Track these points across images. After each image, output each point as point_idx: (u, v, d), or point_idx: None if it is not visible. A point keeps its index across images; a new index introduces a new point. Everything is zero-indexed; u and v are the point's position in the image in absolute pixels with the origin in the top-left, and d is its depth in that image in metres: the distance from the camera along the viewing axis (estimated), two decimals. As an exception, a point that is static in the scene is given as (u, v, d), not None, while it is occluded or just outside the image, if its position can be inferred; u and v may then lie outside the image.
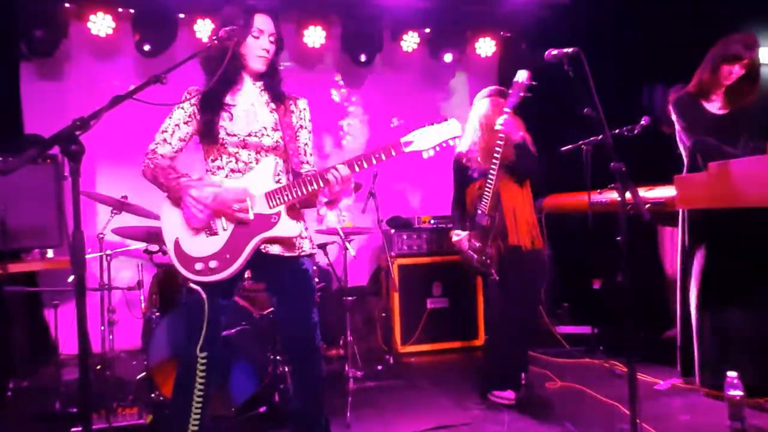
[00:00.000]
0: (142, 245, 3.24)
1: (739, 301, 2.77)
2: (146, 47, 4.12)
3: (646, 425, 2.40)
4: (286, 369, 3.01)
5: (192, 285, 1.87)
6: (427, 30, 4.90)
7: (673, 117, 2.99)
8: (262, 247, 1.91)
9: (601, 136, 2.02)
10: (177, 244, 1.88)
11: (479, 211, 2.92)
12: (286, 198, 1.86)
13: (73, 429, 2.55)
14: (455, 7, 4.66)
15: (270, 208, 1.87)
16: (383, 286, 4.33)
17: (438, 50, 4.89)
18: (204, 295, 1.84)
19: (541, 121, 3.28)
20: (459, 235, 3.04)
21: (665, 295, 3.68)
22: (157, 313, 2.99)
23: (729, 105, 2.92)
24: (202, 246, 1.86)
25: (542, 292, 4.32)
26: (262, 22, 1.95)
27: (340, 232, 3.31)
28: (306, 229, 2.06)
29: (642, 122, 3.27)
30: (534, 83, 2.78)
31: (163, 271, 3.16)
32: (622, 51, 4.03)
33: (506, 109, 2.80)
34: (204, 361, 1.89)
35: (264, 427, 2.74)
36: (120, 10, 4.19)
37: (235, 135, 1.93)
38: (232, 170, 1.94)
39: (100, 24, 4.11)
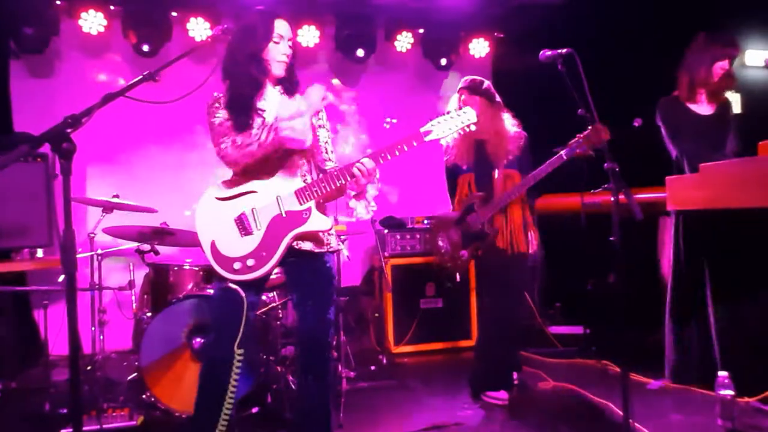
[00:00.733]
0: (133, 245, 3.21)
1: (729, 302, 2.79)
2: (145, 47, 4.08)
3: (638, 424, 2.42)
4: (279, 370, 3.00)
5: (230, 284, 1.91)
6: (421, 30, 4.91)
7: (658, 122, 3.00)
8: (295, 243, 1.97)
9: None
10: (213, 245, 1.93)
11: (475, 214, 2.90)
12: (315, 194, 1.93)
13: (62, 430, 2.52)
14: (449, 8, 4.66)
15: (300, 204, 1.93)
16: (376, 286, 4.33)
17: (432, 51, 4.89)
18: (243, 294, 1.89)
19: (534, 122, 3.29)
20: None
21: (659, 295, 3.71)
22: (149, 314, 2.96)
23: (712, 103, 2.94)
24: (238, 245, 1.92)
25: (535, 292, 4.36)
26: (281, 27, 2.00)
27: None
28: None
29: (635, 123, 3.29)
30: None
31: (155, 271, 3.13)
32: (615, 52, 4.05)
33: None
34: (241, 358, 1.93)
35: (257, 427, 2.72)
36: (112, 7, 4.16)
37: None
38: (261, 172, 1.98)
39: (92, 21, 4.08)
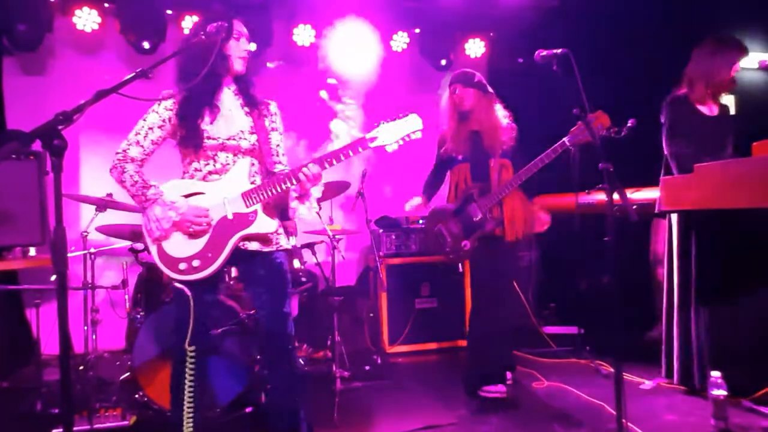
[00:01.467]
0: (126, 243, 3.20)
1: (724, 302, 2.79)
2: (146, 44, 4.06)
3: (631, 425, 2.42)
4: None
5: (176, 284, 1.96)
6: (417, 30, 4.91)
7: (662, 118, 3.00)
8: (241, 243, 2.01)
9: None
10: (160, 246, 1.97)
11: (475, 204, 2.93)
12: (261, 197, 1.97)
13: (54, 430, 2.50)
14: (445, 8, 4.66)
15: (247, 207, 1.98)
16: (371, 286, 4.32)
17: (427, 51, 4.89)
18: (189, 293, 1.93)
19: (530, 122, 3.30)
20: (414, 208, 3.11)
21: (652, 296, 3.72)
22: (142, 313, 2.95)
23: (716, 104, 2.95)
24: (184, 247, 1.96)
25: (530, 293, 4.37)
26: (240, 25, 2.05)
27: (329, 232, 3.30)
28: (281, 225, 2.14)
29: (629, 124, 3.29)
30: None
31: (148, 270, 3.11)
32: (610, 52, 4.06)
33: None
34: (192, 354, 1.96)
35: (250, 427, 2.71)
36: (106, 5, 4.13)
37: (215, 138, 2.00)
38: (210, 172, 2.01)
39: (86, 19, 4.05)
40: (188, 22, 4.15)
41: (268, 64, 4.83)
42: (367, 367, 3.62)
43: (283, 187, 1.95)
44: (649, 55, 3.97)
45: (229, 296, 2.97)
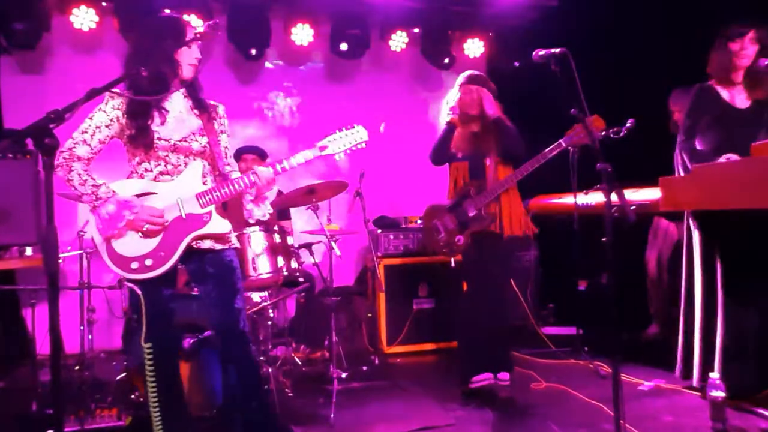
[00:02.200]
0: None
1: (728, 304, 2.77)
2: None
3: (629, 426, 2.41)
4: (270, 370, 2.98)
5: (127, 283, 1.98)
6: (416, 30, 4.89)
7: (684, 109, 2.89)
8: (194, 242, 2.04)
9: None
10: (110, 245, 1.97)
11: (470, 200, 2.98)
12: (216, 198, 2.02)
13: (49, 430, 2.48)
14: (444, 8, 4.65)
15: (201, 207, 2.02)
16: (369, 286, 4.31)
17: (426, 50, 4.88)
18: (139, 292, 1.95)
19: (528, 121, 3.29)
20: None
21: (648, 296, 3.71)
22: (138, 313, 2.93)
23: (750, 96, 2.78)
24: (136, 246, 1.97)
25: (528, 293, 4.35)
26: (193, 31, 2.06)
27: (326, 232, 3.29)
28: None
29: (627, 124, 3.28)
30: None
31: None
32: (609, 52, 4.05)
33: (450, 113, 3.06)
34: (150, 351, 1.98)
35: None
36: (104, 4, 4.12)
37: (166, 140, 2.02)
38: (162, 173, 2.04)
39: (83, 18, 4.04)
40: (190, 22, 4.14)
41: (267, 64, 4.82)
42: (365, 368, 3.61)
43: (237, 188, 2.02)
44: (649, 54, 3.96)
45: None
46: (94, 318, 3.08)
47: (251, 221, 2.22)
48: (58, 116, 1.27)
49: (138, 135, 1.97)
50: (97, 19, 4.08)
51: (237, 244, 2.21)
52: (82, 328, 3.11)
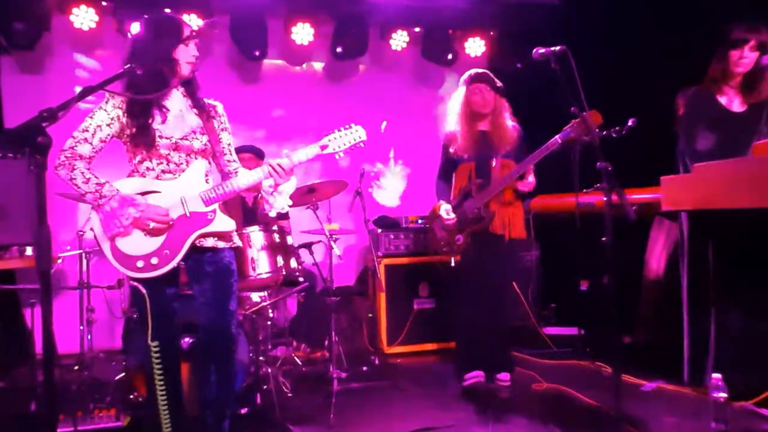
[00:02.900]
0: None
1: (729, 305, 2.75)
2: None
3: (631, 427, 2.39)
4: (269, 370, 2.96)
5: (131, 282, 1.98)
6: (417, 29, 4.88)
7: (680, 111, 2.91)
8: (197, 240, 2.04)
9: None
10: (114, 244, 1.96)
11: (470, 199, 2.98)
12: (220, 195, 2.02)
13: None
14: (444, 7, 4.63)
15: (206, 205, 2.02)
16: (370, 286, 4.30)
17: (427, 49, 4.87)
18: (144, 291, 1.95)
19: (529, 121, 3.27)
20: (449, 213, 3.05)
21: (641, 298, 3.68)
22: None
23: (745, 101, 2.79)
24: (141, 244, 1.97)
25: (530, 293, 4.33)
26: (190, 29, 2.06)
27: (326, 232, 3.27)
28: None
29: (629, 123, 3.26)
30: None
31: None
32: (611, 51, 4.03)
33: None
34: (156, 349, 1.98)
35: (245, 428, 2.68)
36: (104, 3, 4.11)
37: (168, 138, 2.01)
38: (164, 171, 2.03)
39: (83, 17, 4.04)
40: (186, 20, 4.12)
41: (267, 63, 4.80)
42: (365, 368, 3.60)
43: (245, 182, 2.04)
44: (650, 54, 3.94)
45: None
46: (94, 318, 3.08)
47: (272, 214, 2.20)
48: (52, 115, 1.26)
49: (139, 133, 1.97)
50: (97, 18, 4.07)
51: (239, 243, 2.21)
52: (81, 327, 3.10)
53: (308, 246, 3.66)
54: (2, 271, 3.34)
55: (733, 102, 2.82)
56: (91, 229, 1.99)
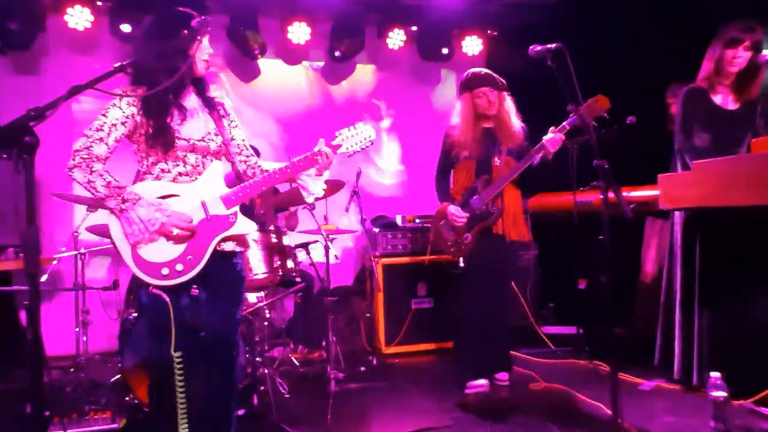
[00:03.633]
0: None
1: (726, 302, 2.74)
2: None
3: (629, 426, 2.38)
4: (267, 371, 2.95)
5: (153, 290, 1.87)
6: (414, 28, 4.86)
7: (676, 110, 2.90)
8: (218, 245, 1.97)
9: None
10: (135, 252, 1.87)
11: (476, 196, 2.94)
12: (241, 196, 1.96)
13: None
14: (442, 5, 4.62)
15: (227, 208, 1.95)
16: (368, 286, 4.28)
17: (424, 48, 4.85)
18: (167, 299, 1.86)
19: (527, 119, 3.25)
20: (459, 213, 2.97)
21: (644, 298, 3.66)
22: (134, 314, 2.90)
23: (738, 99, 2.82)
24: (164, 250, 1.88)
25: (528, 292, 4.32)
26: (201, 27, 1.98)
27: (323, 232, 3.26)
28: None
29: (627, 121, 3.25)
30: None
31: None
32: (608, 49, 4.02)
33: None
34: (180, 360, 1.89)
35: (242, 430, 2.66)
36: (99, 3, 4.10)
37: (186, 139, 1.93)
38: (180, 174, 1.94)
39: (78, 17, 4.02)
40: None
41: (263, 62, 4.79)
42: (363, 369, 3.58)
43: (268, 182, 1.99)
44: (650, 51, 3.92)
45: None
46: (89, 319, 3.06)
47: (309, 201, 2.13)
48: (39, 114, 1.24)
49: (158, 134, 1.87)
50: (92, 18, 4.06)
51: (251, 246, 2.15)
52: (77, 329, 3.08)
53: (305, 246, 3.65)
54: (-2, 273, 3.32)
55: (726, 100, 2.84)
56: (110, 237, 1.88)
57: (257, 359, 2.91)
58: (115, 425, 2.56)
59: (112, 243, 1.88)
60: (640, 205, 3.42)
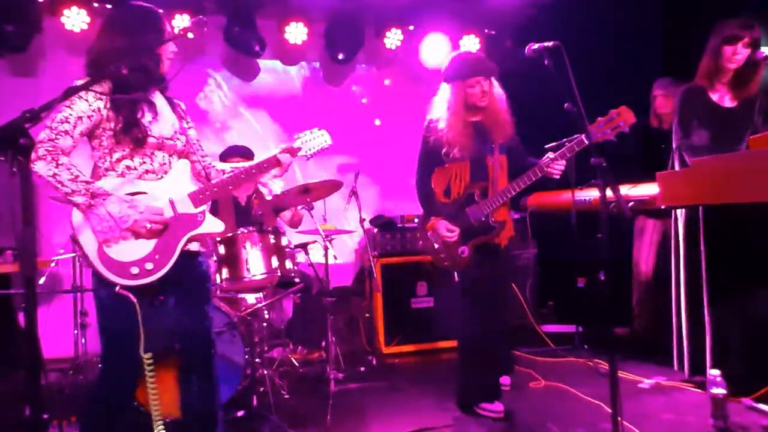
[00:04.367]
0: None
1: (726, 300, 2.74)
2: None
3: (629, 424, 2.37)
4: (266, 372, 2.95)
5: (120, 290, 1.82)
6: (411, 27, 4.86)
7: (675, 109, 2.91)
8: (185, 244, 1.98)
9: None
10: (102, 251, 1.81)
11: (473, 206, 2.66)
12: (209, 195, 1.97)
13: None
14: (439, 4, 4.62)
15: (195, 207, 1.96)
16: (367, 286, 4.28)
17: (421, 47, 4.85)
18: (134, 299, 1.82)
19: (525, 119, 3.24)
20: (453, 232, 2.67)
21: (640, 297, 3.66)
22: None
23: (736, 96, 2.82)
24: (132, 249, 1.85)
25: (527, 291, 4.32)
26: (169, 25, 1.99)
27: (321, 232, 3.25)
28: None
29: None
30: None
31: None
32: (606, 48, 4.01)
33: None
34: (150, 361, 1.87)
35: (242, 431, 2.66)
36: (95, 5, 4.09)
37: (156, 137, 1.92)
38: (147, 171, 1.92)
39: (75, 19, 4.01)
40: (178, 21, 4.11)
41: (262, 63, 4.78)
42: (362, 369, 3.58)
43: (237, 181, 2.02)
44: (647, 49, 3.92)
45: (221, 299, 2.93)
46: (88, 321, 3.06)
47: (269, 198, 2.20)
48: (34, 115, 1.24)
49: (127, 129, 1.84)
50: (88, 20, 4.04)
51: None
52: (75, 331, 3.08)
53: (304, 246, 3.64)
54: (-4, 276, 3.32)
55: (724, 98, 2.84)
56: (73, 235, 1.84)
57: (256, 360, 2.91)
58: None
59: (75, 241, 1.83)
60: (638, 204, 3.42)
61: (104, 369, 1.92)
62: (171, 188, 1.95)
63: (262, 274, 2.89)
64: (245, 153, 3.67)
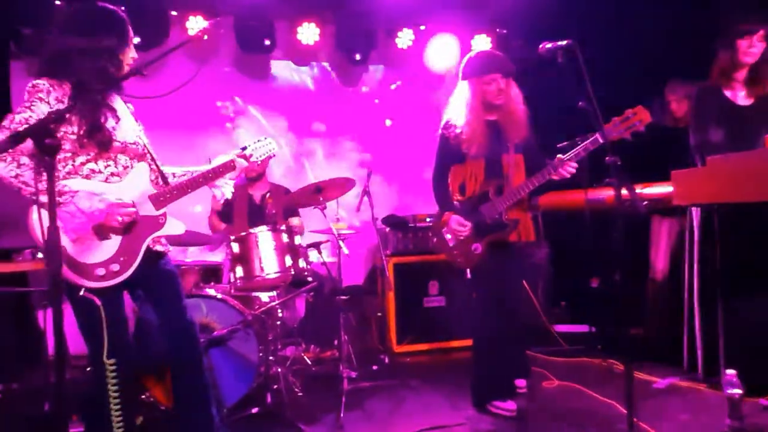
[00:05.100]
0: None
1: (743, 298, 2.72)
2: (136, 40, 4.08)
3: (644, 424, 2.37)
4: (279, 370, 2.97)
5: (84, 293, 1.81)
6: (422, 27, 4.86)
7: (691, 109, 2.91)
8: (151, 244, 2.01)
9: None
10: (66, 252, 1.80)
11: (488, 203, 2.67)
12: (169, 199, 2.02)
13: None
14: (451, 4, 4.62)
15: (156, 209, 2.00)
16: (379, 285, 4.29)
17: (427, 52, 4.86)
18: (99, 302, 1.82)
19: (538, 118, 3.24)
20: (463, 225, 2.69)
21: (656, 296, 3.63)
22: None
23: (751, 94, 2.78)
24: (97, 251, 1.85)
25: (540, 291, 4.30)
26: (130, 30, 2.03)
27: (335, 231, 3.27)
28: None
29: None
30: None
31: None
32: (618, 45, 3.99)
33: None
34: (113, 367, 1.87)
35: (256, 428, 2.69)
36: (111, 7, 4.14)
37: (120, 141, 1.94)
38: (112, 174, 1.93)
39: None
40: (192, 23, 4.14)
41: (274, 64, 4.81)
42: (375, 367, 3.59)
43: (195, 186, 2.07)
44: (661, 48, 3.90)
45: (234, 297, 2.96)
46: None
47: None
48: (59, 116, 1.27)
49: (91, 133, 1.83)
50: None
51: (170, 248, 2.16)
52: (93, 329, 3.11)
53: (317, 245, 3.67)
54: (15, 274, 3.37)
55: (739, 96, 2.82)
56: (36, 235, 1.81)
57: (270, 358, 2.93)
58: (131, 423, 2.58)
59: (41, 243, 1.74)
60: (653, 202, 3.40)
61: (92, 370, 1.94)
62: (131, 190, 1.96)
63: (275, 272, 2.91)
64: None
